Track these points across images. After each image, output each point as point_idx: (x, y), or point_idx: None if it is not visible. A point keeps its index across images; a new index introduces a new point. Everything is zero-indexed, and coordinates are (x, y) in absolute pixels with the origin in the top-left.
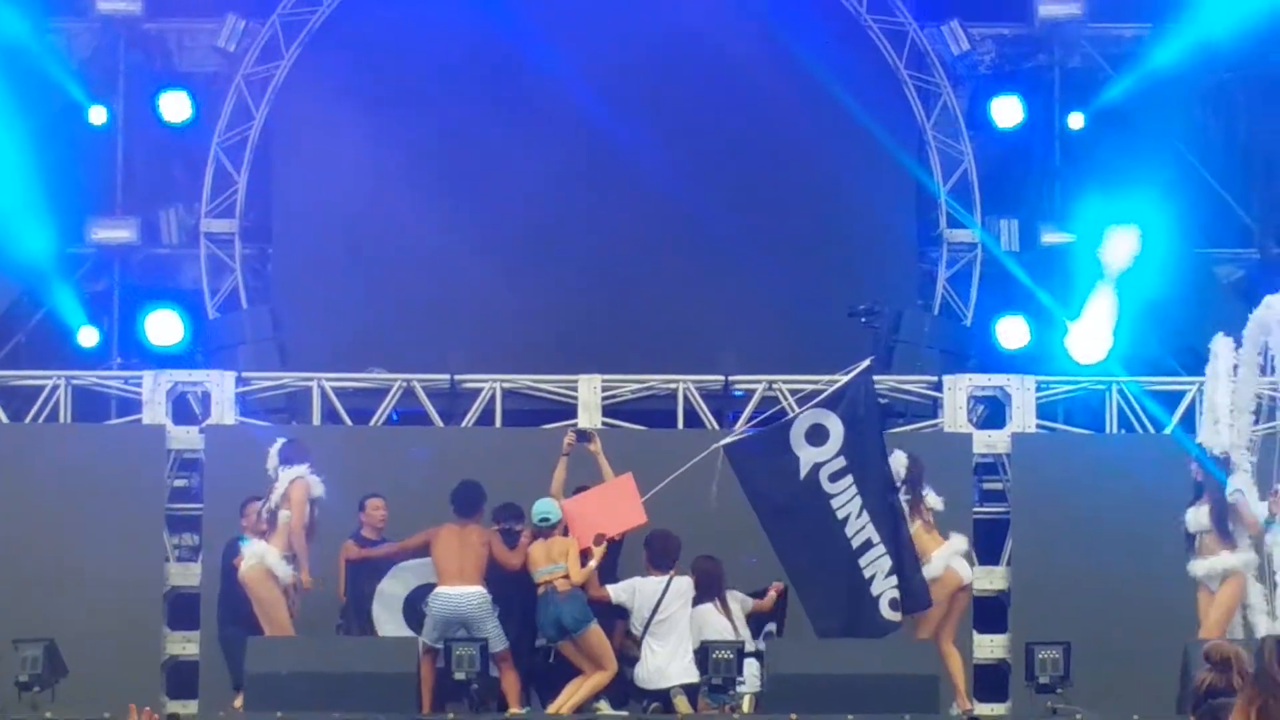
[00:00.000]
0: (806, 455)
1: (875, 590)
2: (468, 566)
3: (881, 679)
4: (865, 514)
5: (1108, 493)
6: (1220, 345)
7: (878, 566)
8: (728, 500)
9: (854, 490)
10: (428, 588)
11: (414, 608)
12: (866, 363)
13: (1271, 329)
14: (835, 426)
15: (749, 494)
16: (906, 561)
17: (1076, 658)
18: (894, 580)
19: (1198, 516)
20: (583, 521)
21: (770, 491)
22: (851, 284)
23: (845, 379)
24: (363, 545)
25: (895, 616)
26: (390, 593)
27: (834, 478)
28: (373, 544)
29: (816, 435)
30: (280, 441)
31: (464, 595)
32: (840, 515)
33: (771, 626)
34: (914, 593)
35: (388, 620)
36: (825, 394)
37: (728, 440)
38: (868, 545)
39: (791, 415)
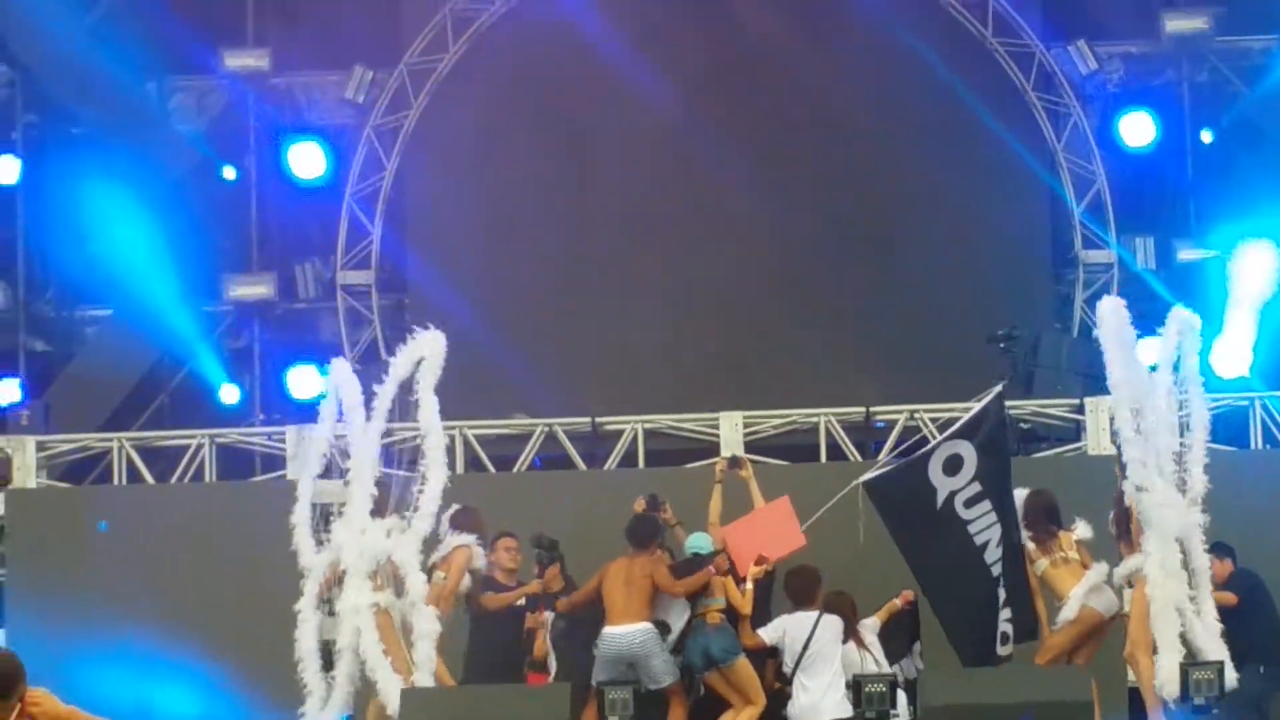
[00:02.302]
0: (942, 484)
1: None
2: (633, 603)
3: (1034, 707)
4: (1002, 544)
5: (1253, 508)
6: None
7: (999, 598)
8: (873, 535)
9: (993, 517)
10: None
11: None
12: (998, 388)
13: (1106, 341)
14: (969, 454)
15: (890, 528)
16: (1021, 593)
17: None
18: (1007, 613)
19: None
20: (743, 548)
21: (910, 524)
22: (989, 309)
23: (978, 406)
24: (496, 591)
25: (1005, 651)
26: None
27: (969, 504)
28: (503, 588)
29: (952, 465)
30: (455, 508)
31: (627, 634)
32: (979, 541)
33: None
34: (1025, 623)
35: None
36: (959, 423)
37: (867, 477)
38: (1003, 576)
39: (929, 448)
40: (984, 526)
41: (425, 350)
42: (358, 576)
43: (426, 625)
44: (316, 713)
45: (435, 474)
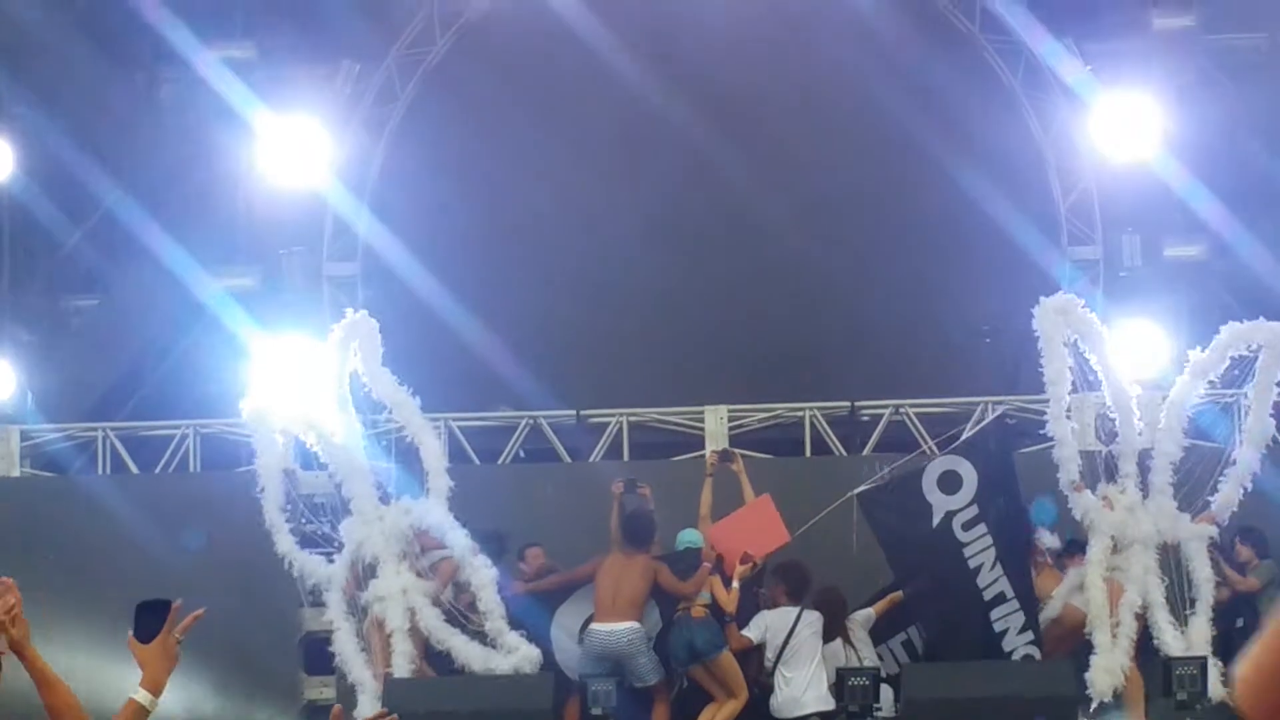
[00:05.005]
0: (939, 502)
1: (1007, 646)
2: (621, 601)
3: (1018, 701)
4: (999, 566)
5: None
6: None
7: (1010, 621)
8: (866, 533)
9: (988, 540)
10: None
11: None
12: (1000, 412)
13: (1043, 338)
14: (969, 474)
15: (881, 541)
16: (1037, 614)
17: None
18: (1029, 636)
19: None
20: (728, 546)
21: (902, 539)
22: (975, 305)
23: (979, 427)
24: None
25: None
26: (567, 623)
27: (967, 527)
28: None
29: (949, 482)
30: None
31: (614, 632)
32: (972, 565)
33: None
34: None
35: (569, 646)
36: (959, 441)
37: (861, 489)
38: (1000, 599)
39: (924, 462)
40: (978, 550)
41: (357, 334)
42: (392, 561)
43: (485, 573)
44: (371, 708)
45: (425, 437)
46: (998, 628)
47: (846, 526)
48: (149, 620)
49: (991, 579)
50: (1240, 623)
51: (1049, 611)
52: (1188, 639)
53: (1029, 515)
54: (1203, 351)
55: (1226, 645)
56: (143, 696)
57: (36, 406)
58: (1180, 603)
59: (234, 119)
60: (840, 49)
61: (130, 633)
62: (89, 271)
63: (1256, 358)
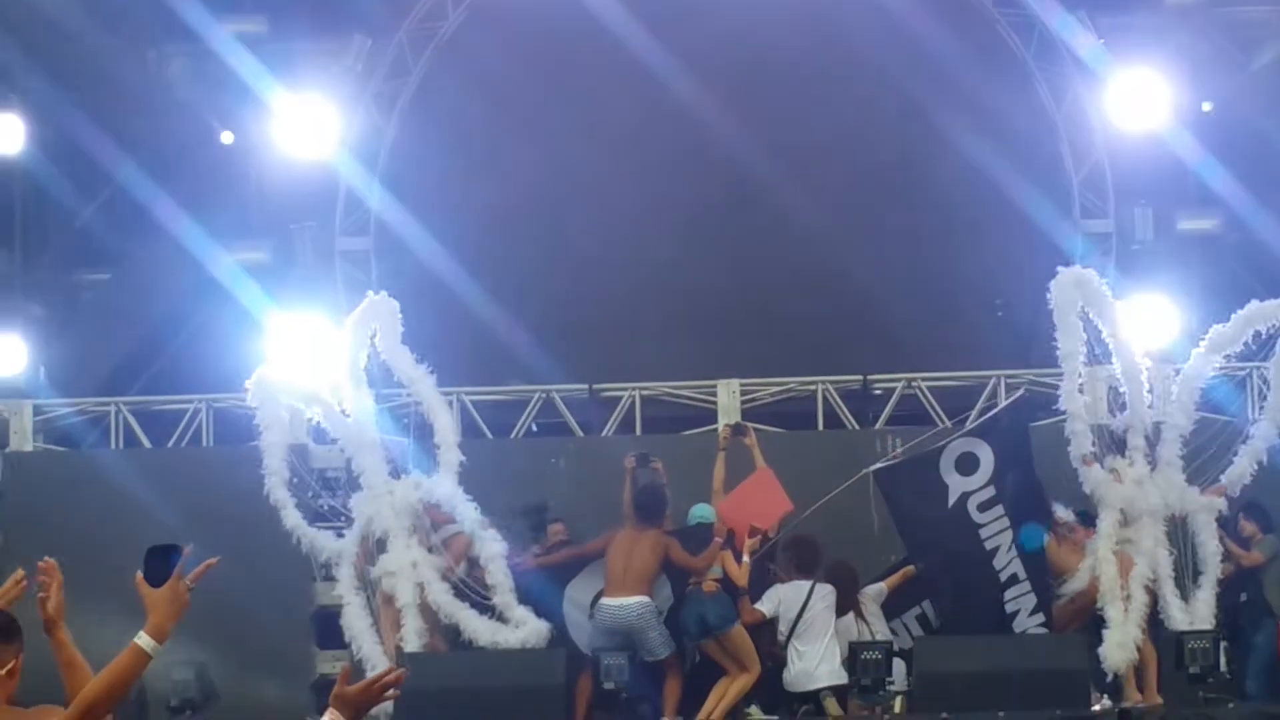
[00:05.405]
0: (955, 483)
1: (1018, 627)
2: (631, 575)
3: (1031, 675)
4: (1015, 548)
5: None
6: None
7: (1022, 603)
8: (884, 510)
9: (1005, 522)
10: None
11: None
12: (1020, 393)
13: (1056, 312)
14: (986, 456)
15: (896, 519)
16: (1050, 597)
17: None
18: (1040, 618)
19: None
20: (738, 520)
21: (918, 517)
22: (987, 278)
23: (997, 408)
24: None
25: None
26: (578, 598)
27: (983, 508)
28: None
29: (966, 464)
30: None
31: (624, 607)
32: (989, 546)
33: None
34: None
35: (580, 621)
36: (978, 423)
37: (877, 466)
38: (1014, 580)
39: (942, 442)
40: (995, 531)
41: (377, 317)
42: (402, 536)
43: (494, 547)
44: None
45: (439, 412)
46: (1010, 609)
47: (861, 502)
48: (159, 565)
49: (1007, 560)
50: (1244, 597)
51: (1075, 584)
52: (1192, 612)
53: (1044, 492)
54: (1224, 326)
55: (1230, 619)
56: (145, 641)
57: (49, 381)
58: (1186, 576)
59: (246, 93)
60: (852, 21)
61: (139, 573)
62: (101, 246)
63: (1274, 334)
